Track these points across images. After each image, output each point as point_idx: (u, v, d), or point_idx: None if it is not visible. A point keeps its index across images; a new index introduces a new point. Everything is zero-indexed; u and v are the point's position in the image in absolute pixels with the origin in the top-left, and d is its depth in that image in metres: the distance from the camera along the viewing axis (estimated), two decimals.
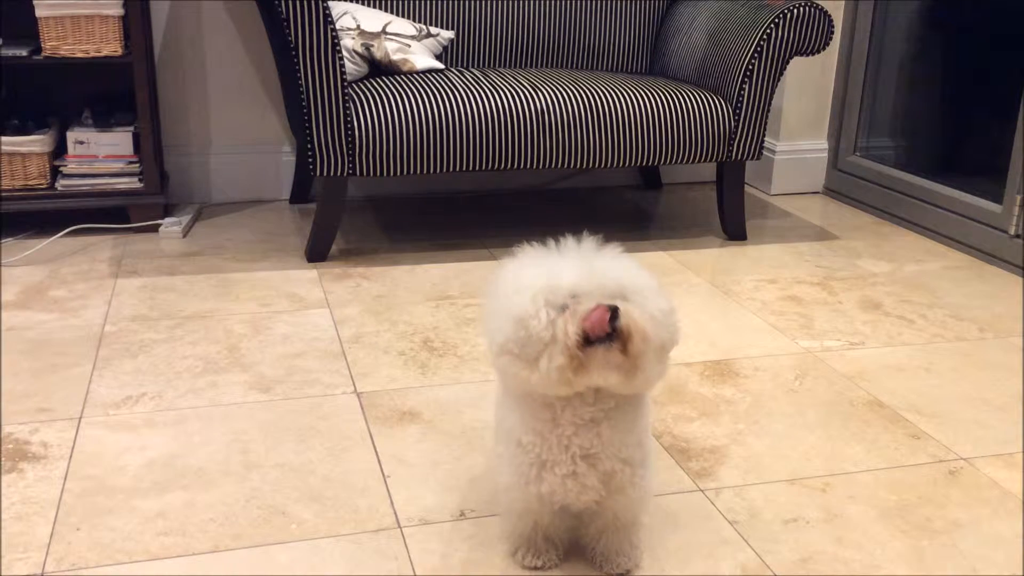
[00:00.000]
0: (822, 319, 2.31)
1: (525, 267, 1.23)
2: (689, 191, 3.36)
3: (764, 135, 2.75)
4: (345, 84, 2.41)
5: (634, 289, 1.20)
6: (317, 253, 2.60)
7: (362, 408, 1.84)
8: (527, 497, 1.31)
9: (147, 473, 1.61)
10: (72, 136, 2.69)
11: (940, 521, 1.54)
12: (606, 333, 1.14)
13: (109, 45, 2.61)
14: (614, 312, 1.14)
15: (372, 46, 2.66)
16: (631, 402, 1.26)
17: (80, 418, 1.78)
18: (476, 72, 2.72)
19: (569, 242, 1.24)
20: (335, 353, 2.07)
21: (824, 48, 2.68)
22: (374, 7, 2.84)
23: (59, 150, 2.73)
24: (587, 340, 1.15)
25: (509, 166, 2.56)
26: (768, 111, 2.72)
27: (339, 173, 2.49)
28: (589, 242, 1.24)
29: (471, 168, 2.55)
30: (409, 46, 2.74)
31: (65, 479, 1.58)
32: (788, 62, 2.68)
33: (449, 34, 2.90)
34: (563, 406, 1.23)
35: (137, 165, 2.73)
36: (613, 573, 1.39)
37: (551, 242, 1.25)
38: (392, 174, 2.50)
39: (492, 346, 1.24)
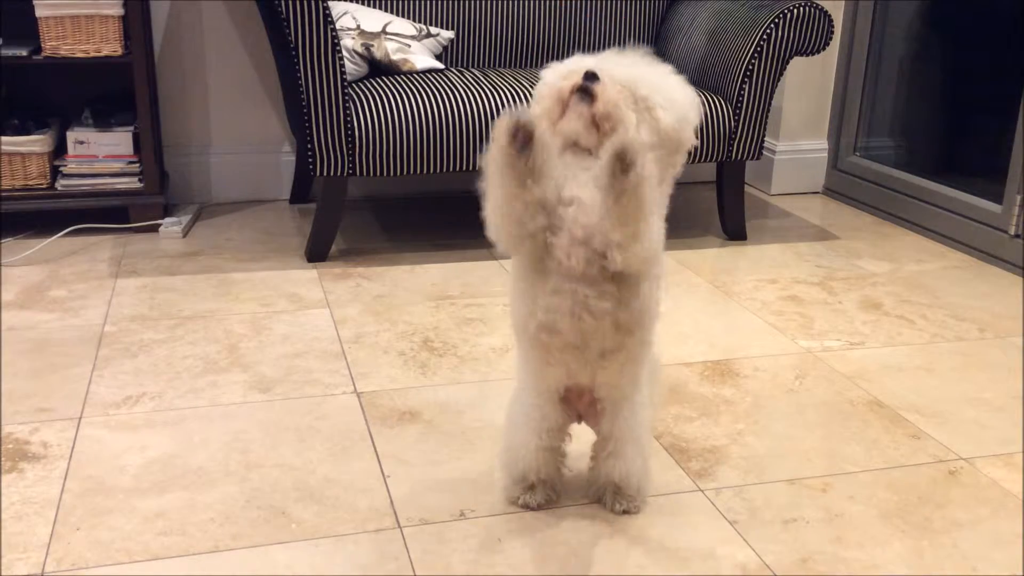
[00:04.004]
0: (822, 319, 2.31)
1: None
2: (689, 191, 3.35)
3: (764, 135, 2.75)
4: (345, 84, 2.41)
5: (647, 82, 1.32)
6: (317, 253, 2.60)
7: (362, 408, 1.84)
8: (527, 319, 1.37)
9: (147, 473, 1.61)
10: (72, 136, 2.69)
11: (940, 521, 1.54)
12: (581, 87, 1.29)
13: (109, 45, 2.61)
14: (592, 74, 1.29)
15: (372, 46, 2.66)
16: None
17: (80, 418, 1.78)
18: (476, 72, 2.72)
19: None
20: (335, 353, 2.07)
21: (824, 48, 2.68)
22: (374, 7, 2.84)
23: (59, 150, 2.73)
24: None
25: None
26: (768, 111, 2.72)
27: (339, 173, 2.49)
28: (634, 50, 1.36)
29: (471, 168, 2.55)
30: (409, 46, 2.74)
31: (65, 479, 1.58)
32: (788, 62, 2.69)
33: (449, 34, 2.90)
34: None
35: (137, 165, 2.73)
36: (617, 510, 1.50)
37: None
38: (392, 174, 2.50)
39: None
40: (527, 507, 1.52)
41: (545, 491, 1.53)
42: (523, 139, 1.24)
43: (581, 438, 1.57)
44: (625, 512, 1.52)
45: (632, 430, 1.46)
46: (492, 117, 2.50)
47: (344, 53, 2.48)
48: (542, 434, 1.48)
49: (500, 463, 1.56)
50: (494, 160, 1.28)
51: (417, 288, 2.43)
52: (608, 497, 1.53)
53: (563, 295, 1.34)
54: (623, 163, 1.20)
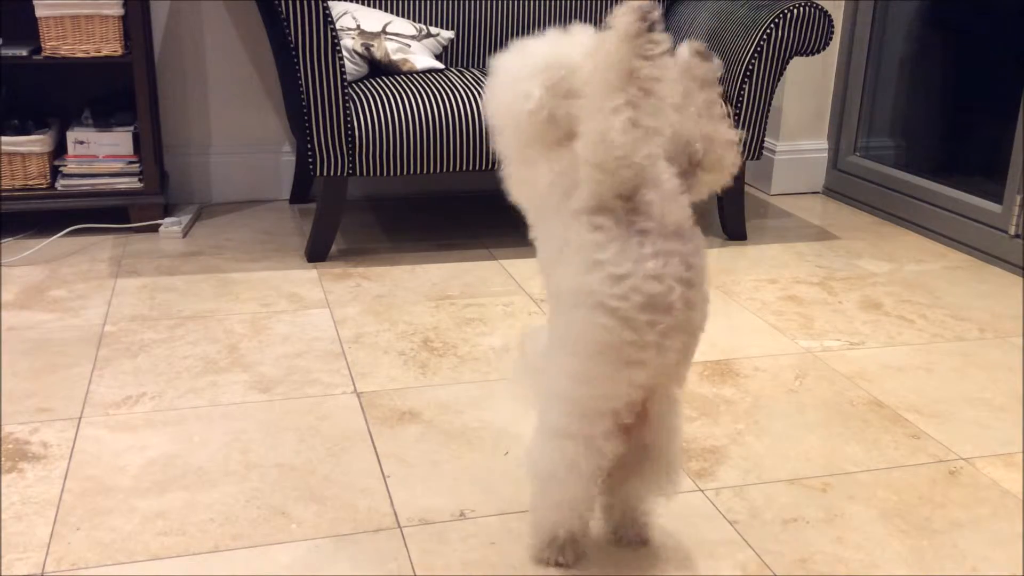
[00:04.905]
0: (822, 319, 2.31)
1: None
2: None
3: (764, 135, 2.75)
4: (345, 84, 2.41)
5: None
6: (317, 253, 2.60)
7: (362, 408, 1.84)
8: (616, 302, 1.14)
9: (147, 473, 1.61)
10: (72, 136, 2.69)
11: (940, 521, 1.54)
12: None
13: (109, 45, 2.61)
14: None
15: (372, 46, 2.66)
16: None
17: (80, 418, 1.78)
18: (476, 72, 2.72)
19: None
20: (335, 353, 2.07)
21: (824, 48, 2.68)
22: (374, 7, 2.84)
23: (59, 150, 2.73)
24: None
25: None
26: (768, 111, 2.72)
27: (339, 173, 2.49)
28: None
29: (471, 168, 2.55)
30: (409, 46, 2.74)
31: (65, 479, 1.58)
32: (788, 62, 2.69)
33: (449, 34, 2.90)
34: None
35: (137, 165, 2.73)
36: (634, 542, 1.43)
37: None
38: (392, 174, 2.50)
39: None
40: (560, 566, 1.37)
41: (576, 547, 1.38)
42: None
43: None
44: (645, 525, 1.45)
45: (680, 429, 1.32)
46: None
47: (344, 53, 2.48)
48: (596, 478, 1.25)
49: (535, 527, 1.38)
50: (619, 60, 1.10)
51: (417, 288, 2.43)
52: (637, 522, 1.44)
53: (670, 257, 1.15)
54: (703, 55, 1.25)
